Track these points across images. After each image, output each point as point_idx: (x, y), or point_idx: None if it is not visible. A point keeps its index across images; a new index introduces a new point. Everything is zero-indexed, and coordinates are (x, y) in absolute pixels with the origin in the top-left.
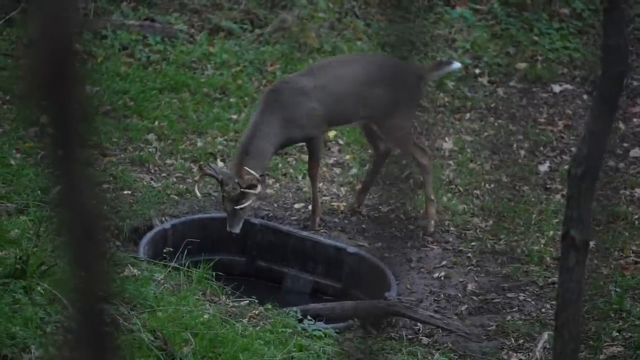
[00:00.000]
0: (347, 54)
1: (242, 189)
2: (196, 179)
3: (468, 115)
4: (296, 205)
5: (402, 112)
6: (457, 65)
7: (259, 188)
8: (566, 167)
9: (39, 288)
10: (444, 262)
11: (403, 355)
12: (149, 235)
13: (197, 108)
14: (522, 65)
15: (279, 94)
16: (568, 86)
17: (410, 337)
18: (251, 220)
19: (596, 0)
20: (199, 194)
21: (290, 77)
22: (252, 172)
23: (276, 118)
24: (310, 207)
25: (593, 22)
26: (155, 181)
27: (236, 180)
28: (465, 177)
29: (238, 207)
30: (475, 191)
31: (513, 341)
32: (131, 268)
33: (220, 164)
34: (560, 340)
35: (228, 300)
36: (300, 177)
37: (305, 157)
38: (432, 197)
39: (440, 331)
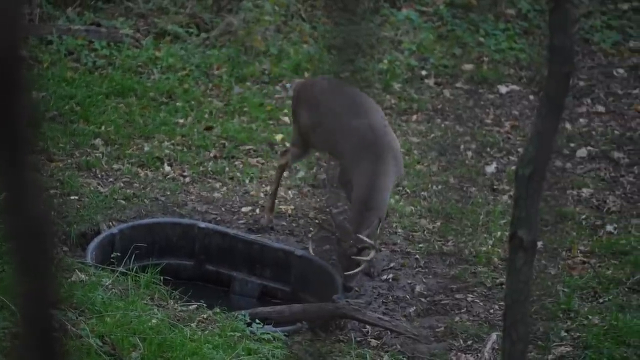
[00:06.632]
0: (332, 84)
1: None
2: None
3: (415, 117)
4: (243, 209)
5: None
6: None
7: (372, 254)
8: (513, 167)
9: None
10: (392, 264)
11: (352, 357)
12: (97, 240)
13: (143, 112)
14: (468, 67)
15: (383, 143)
16: (514, 87)
17: (358, 339)
18: (199, 224)
19: (542, 0)
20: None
21: (372, 124)
22: (367, 239)
23: (390, 166)
24: (258, 210)
25: (539, 22)
26: (102, 186)
27: (352, 241)
28: (413, 179)
29: (348, 273)
30: (422, 193)
31: (461, 342)
32: (79, 273)
33: (167, 168)
34: (509, 341)
35: (176, 305)
36: (247, 181)
37: (252, 161)
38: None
39: (389, 333)
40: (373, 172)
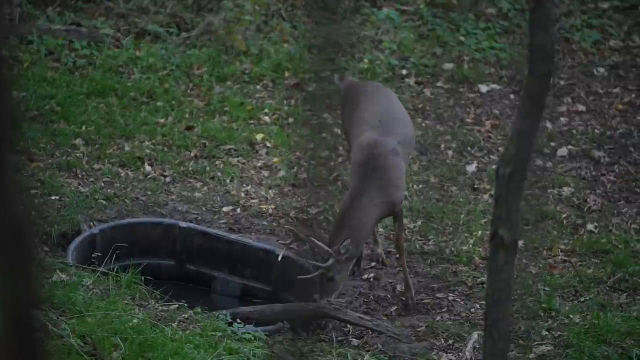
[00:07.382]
0: (371, 95)
1: (325, 259)
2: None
3: None
4: (224, 209)
5: None
6: None
7: (329, 262)
8: (494, 166)
9: None
10: (373, 264)
11: (333, 357)
12: (78, 240)
13: (124, 112)
14: (449, 66)
15: (379, 165)
16: (495, 86)
17: (340, 339)
18: (180, 223)
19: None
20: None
21: (382, 143)
22: (322, 245)
23: (375, 188)
24: (239, 210)
25: (519, 21)
26: (82, 186)
27: (316, 250)
28: None
29: (303, 277)
30: None
31: (443, 341)
32: (60, 273)
33: (148, 167)
34: (490, 340)
35: (157, 305)
36: (228, 180)
37: (233, 160)
38: None
39: (370, 332)
40: (357, 191)
